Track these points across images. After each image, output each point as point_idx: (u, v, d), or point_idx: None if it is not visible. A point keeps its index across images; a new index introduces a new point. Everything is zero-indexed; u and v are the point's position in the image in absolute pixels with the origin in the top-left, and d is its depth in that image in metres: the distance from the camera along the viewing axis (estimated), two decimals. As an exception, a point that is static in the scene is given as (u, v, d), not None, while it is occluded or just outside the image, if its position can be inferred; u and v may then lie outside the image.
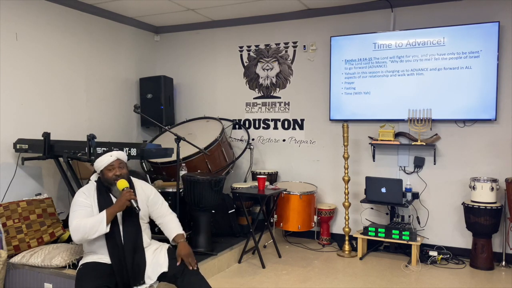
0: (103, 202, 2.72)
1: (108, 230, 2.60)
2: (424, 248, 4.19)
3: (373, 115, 4.51)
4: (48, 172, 4.24)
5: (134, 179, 2.93)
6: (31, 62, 4.11)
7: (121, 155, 2.84)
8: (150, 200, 2.90)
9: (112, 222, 2.66)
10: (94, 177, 2.87)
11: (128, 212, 2.71)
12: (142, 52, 5.53)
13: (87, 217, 2.63)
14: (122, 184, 2.69)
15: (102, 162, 2.77)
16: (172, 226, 2.90)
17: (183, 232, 2.89)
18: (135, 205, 2.63)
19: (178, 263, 2.66)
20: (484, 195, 3.88)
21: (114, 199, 2.75)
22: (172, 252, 2.78)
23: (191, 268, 2.67)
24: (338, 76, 4.67)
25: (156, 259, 2.72)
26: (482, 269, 3.89)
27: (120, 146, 3.44)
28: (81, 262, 2.76)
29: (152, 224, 2.96)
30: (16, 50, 3.98)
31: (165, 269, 2.66)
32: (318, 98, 4.86)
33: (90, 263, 2.68)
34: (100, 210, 2.68)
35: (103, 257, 2.69)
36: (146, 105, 5.24)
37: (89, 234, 2.58)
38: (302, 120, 4.98)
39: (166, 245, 2.87)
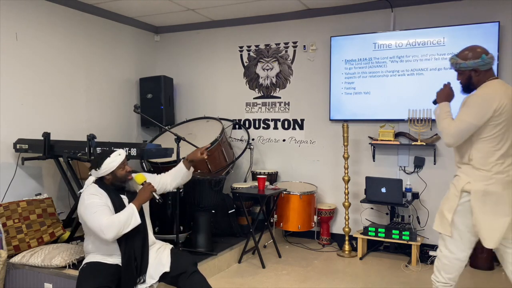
0: (117, 202, 2.73)
1: (140, 221, 2.64)
2: (424, 248, 4.19)
3: (373, 115, 4.51)
4: (48, 172, 4.24)
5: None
6: (31, 62, 4.11)
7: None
8: (155, 183, 2.94)
9: None
10: (91, 180, 2.79)
11: None
12: (142, 52, 5.53)
13: (112, 215, 2.62)
14: (141, 178, 2.78)
15: (114, 162, 2.73)
16: (172, 172, 3.12)
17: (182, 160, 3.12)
18: (157, 197, 2.74)
19: (203, 155, 3.09)
20: (484, 195, 3.87)
21: (123, 198, 2.77)
22: (175, 252, 2.79)
23: (205, 156, 3.10)
24: (338, 76, 4.67)
25: (159, 258, 2.73)
26: (482, 269, 3.89)
27: (120, 146, 3.44)
28: (84, 261, 2.77)
29: (152, 223, 2.97)
30: (16, 50, 3.98)
31: (167, 269, 2.67)
32: (318, 98, 4.86)
33: (94, 263, 2.69)
34: (115, 209, 2.68)
35: (107, 257, 2.70)
36: (146, 105, 5.24)
37: (124, 228, 2.58)
38: (302, 120, 4.98)
39: (170, 245, 2.87)
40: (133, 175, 2.82)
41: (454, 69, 2.71)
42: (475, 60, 2.56)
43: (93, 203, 2.65)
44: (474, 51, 2.59)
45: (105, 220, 2.57)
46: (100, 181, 2.78)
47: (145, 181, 2.77)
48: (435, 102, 2.78)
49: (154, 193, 2.75)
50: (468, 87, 2.66)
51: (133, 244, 2.68)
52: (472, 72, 2.59)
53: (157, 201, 2.77)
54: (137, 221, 2.62)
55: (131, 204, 2.66)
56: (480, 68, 2.57)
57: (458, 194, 2.59)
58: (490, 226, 2.53)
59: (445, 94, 2.71)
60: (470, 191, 2.55)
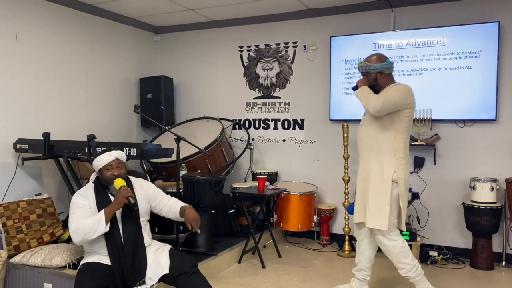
0: (102, 202, 2.72)
1: (107, 229, 2.60)
2: (424, 248, 4.19)
3: (373, 115, 4.50)
4: (48, 172, 4.24)
5: (132, 178, 2.93)
6: (31, 62, 4.11)
7: (120, 155, 2.84)
8: (151, 195, 2.92)
9: (111, 221, 2.66)
10: (93, 177, 2.88)
11: (127, 210, 2.71)
12: (142, 52, 5.53)
13: (86, 218, 2.62)
14: (119, 183, 2.70)
15: (100, 161, 2.77)
16: (176, 205, 2.95)
17: (186, 204, 2.95)
18: (132, 201, 2.62)
19: (189, 227, 2.76)
20: (484, 195, 3.88)
21: (112, 198, 2.75)
22: (174, 253, 2.77)
23: (198, 231, 2.79)
24: (338, 76, 4.66)
25: (158, 260, 2.71)
26: (482, 269, 3.89)
27: (120, 146, 3.43)
28: (81, 262, 2.77)
29: (152, 224, 2.96)
30: (16, 50, 3.98)
31: (166, 271, 2.65)
32: (318, 98, 4.86)
33: (91, 263, 2.68)
34: (99, 210, 2.67)
35: (104, 258, 2.69)
36: (146, 105, 5.24)
37: (89, 234, 2.57)
38: (302, 120, 4.98)
39: (168, 246, 2.86)
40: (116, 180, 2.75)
41: (361, 72, 3.09)
42: (381, 63, 3.00)
43: (75, 204, 2.71)
44: (379, 56, 3.06)
45: (74, 224, 2.60)
46: (97, 179, 2.84)
47: (122, 186, 2.68)
48: (355, 88, 3.12)
49: (130, 198, 2.61)
50: (373, 88, 3.05)
51: (121, 247, 2.66)
52: (378, 74, 3.02)
53: (132, 205, 2.63)
54: (102, 229, 2.57)
55: (102, 210, 2.63)
56: (385, 71, 3.00)
57: (390, 185, 2.91)
58: (404, 210, 2.98)
59: (364, 81, 3.08)
60: (397, 181, 2.91)
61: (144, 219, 2.86)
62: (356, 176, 4.55)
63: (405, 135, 2.99)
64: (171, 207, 2.94)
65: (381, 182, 2.93)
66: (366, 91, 3.02)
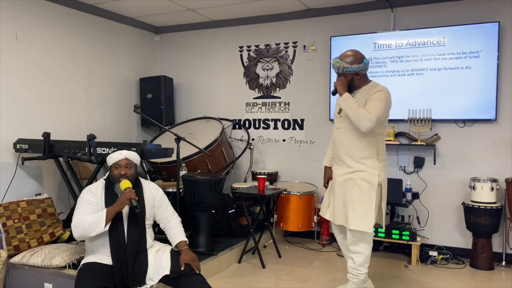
0: (110, 200, 2.73)
1: (106, 229, 2.60)
2: (424, 248, 4.19)
3: (373, 115, 4.50)
4: (48, 172, 4.24)
5: (142, 180, 2.94)
6: (31, 62, 4.11)
7: (131, 155, 2.84)
8: (156, 201, 2.91)
9: (117, 222, 2.67)
10: (106, 174, 2.89)
11: (133, 212, 2.71)
12: (142, 52, 5.53)
13: (89, 215, 2.64)
14: (124, 184, 2.70)
15: (111, 158, 2.80)
16: (176, 232, 2.90)
17: (186, 239, 2.90)
18: (134, 204, 2.61)
19: (182, 268, 2.65)
20: (484, 195, 3.88)
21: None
22: (175, 254, 2.77)
23: (198, 271, 2.68)
24: (338, 76, 4.66)
25: (159, 261, 2.72)
26: (482, 269, 3.89)
27: (120, 146, 3.44)
28: (82, 262, 2.77)
29: (152, 223, 2.96)
30: (16, 50, 3.98)
31: (167, 272, 2.66)
32: (318, 98, 4.86)
33: (91, 263, 2.68)
34: (107, 207, 2.68)
35: (104, 258, 2.69)
36: (146, 105, 5.24)
37: (89, 231, 2.58)
38: (302, 120, 4.98)
39: (169, 247, 2.86)
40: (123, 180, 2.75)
41: (337, 72, 2.94)
42: (358, 65, 2.88)
43: (81, 199, 2.75)
44: (356, 56, 2.89)
45: (76, 218, 2.62)
46: (108, 177, 2.86)
47: (127, 187, 2.68)
48: (334, 93, 3.01)
49: (132, 200, 2.60)
50: (348, 88, 2.96)
51: (124, 247, 2.66)
52: (354, 75, 2.91)
53: (133, 208, 2.61)
54: (101, 228, 2.57)
55: (105, 209, 2.63)
56: (361, 72, 2.90)
57: (375, 188, 2.87)
58: (383, 210, 2.99)
59: (343, 85, 2.93)
60: (381, 183, 2.90)
61: (149, 223, 2.86)
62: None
63: (384, 137, 3.03)
64: (169, 230, 2.91)
65: (367, 185, 2.86)
66: (352, 103, 2.84)
